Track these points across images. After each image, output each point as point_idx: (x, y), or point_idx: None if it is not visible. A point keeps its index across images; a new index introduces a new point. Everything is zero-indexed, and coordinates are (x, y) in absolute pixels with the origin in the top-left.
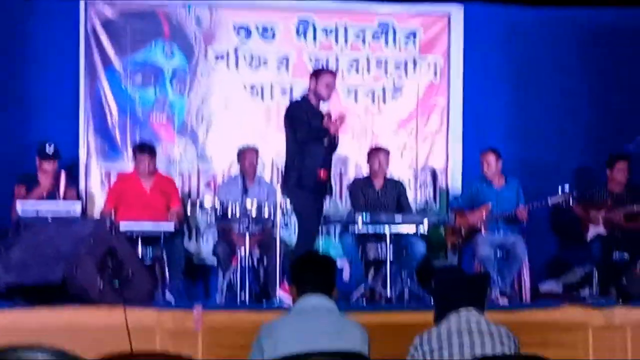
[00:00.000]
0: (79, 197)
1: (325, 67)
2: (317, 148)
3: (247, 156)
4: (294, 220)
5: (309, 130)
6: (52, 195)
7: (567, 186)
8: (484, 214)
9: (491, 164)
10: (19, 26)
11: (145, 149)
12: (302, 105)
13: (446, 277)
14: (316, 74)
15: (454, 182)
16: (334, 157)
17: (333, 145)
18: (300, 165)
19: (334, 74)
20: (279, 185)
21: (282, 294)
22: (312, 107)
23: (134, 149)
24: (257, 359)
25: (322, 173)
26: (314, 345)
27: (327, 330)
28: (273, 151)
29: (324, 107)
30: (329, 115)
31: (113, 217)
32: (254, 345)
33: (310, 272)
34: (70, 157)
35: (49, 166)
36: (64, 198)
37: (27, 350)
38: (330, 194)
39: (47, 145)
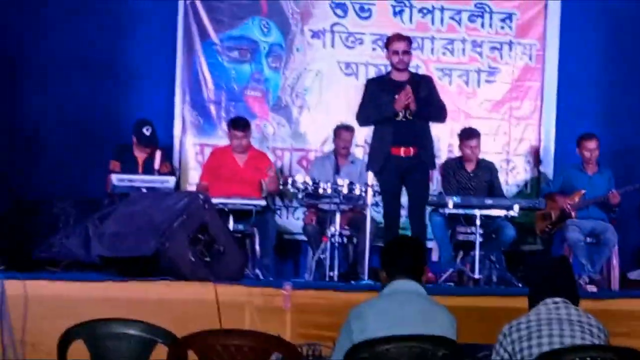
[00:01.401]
0: (173, 172)
1: (419, 46)
2: (387, 126)
3: (342, 135)
4: None
5: (376, 107)
6: (148, 170)
7: None
8: (576, 199)
9: (592, 149)
10: (118, 0)
11: (239, 124)
12: (376, 81)
13: (537, 265)
14: (386, 44)
15: (547, 166)
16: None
17: (410, 121)
18: (373, 144)
19: (402, 37)
20: None
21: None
22: (387, 82)
23: (228, 124)
24: (345, 341)
25: (395, 151)
26: (402, 329)
27: (415, 315)
28: (367, 130)
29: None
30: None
31: (207, 191)
32: (343, 327)
33: (400, 256)
34: (166, 131)
35: (144, 151)
36: (159, 173)
37: (119, 324)
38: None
39: (144, 128)
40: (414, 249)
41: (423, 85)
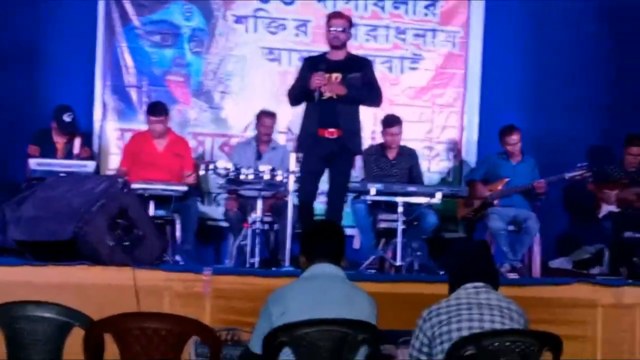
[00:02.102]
0: (93, 157)
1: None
2: (315, 105)
3: (264, 121)
4: None
5: (300, 86)
6: (67, 155)
7: (584, 163)
8: (499, 188)
9: (513, 142)
10: None
11: (154, 110)
12: (310, 60)
13: (458, 250)
14: (326, 22)
15: (469, 154)
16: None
17: (329, 101)
18: (302, 124)
19: (340, 15)
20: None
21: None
22: (321, 60)
23: (146, 110)
24: (264, 325)
25: (321, 132)
26: (322, 313)
27: (335, 298)
28: (290, 115)
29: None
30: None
31: (126, 176)
32: (262, 311)
33: (319, 240)
34: (86, 116)
35: (64, 132)
36: (79, 158)
37: (34, 306)
38: (347, 153)
39: (65, 115)
40: (333, 233)
41: (359, 67)
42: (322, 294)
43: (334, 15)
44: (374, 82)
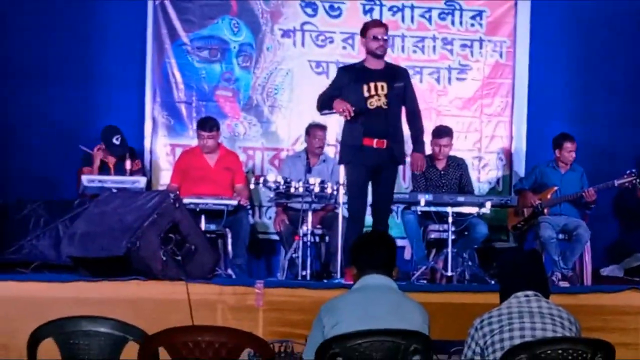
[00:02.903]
0: (144, 172)
1: (390, 43)
2: (359, 115)
3: (315, 133)
4: None
5: (331, 96)
6: (119, 172)
7: (633, 170)
8: (548, 196)
9: (571, 150)
10: (87, 1)
11: (205, 125)
12: (347, 69)
13: (508, 259)
14: (362, 31)
15: (518, 163)
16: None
17: (384, 110)
18: (344, 135)
19: (381, 23)
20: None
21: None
22: (359, 70)
23: (197, 124)
24: (317, 336)
25: (367, 142)
26: (374, 324)
27: (387, 309)
28: (338, 128)
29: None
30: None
31: (178, 191)
32: (315, 323)
33: (369, 251)
34: (137, 132)
35: (114, 155)
36: (131, 173)
37: (89, 321)
38: (394, 163)
39: (114, 138)
40: (383, 243)
41: (401, 77)
42: (373, 305)
43: (376, 24)
44: (413, 92)
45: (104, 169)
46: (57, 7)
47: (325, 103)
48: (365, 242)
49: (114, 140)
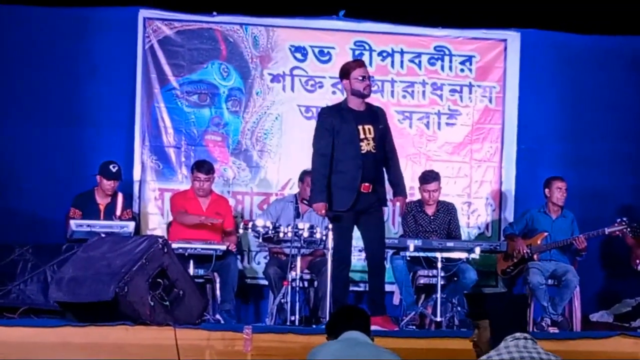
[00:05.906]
0: (135, 219)
1: (379, 89)
2: (354, 159)
3: (309, 180)
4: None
5: (328, 143)
6: (109, 216)
7: (624, 218)
8: (538, 242)
9: (563, 189)
10: (77, 44)
11: (203, 167)
12: (333, 110)
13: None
14: (344, 73)
15: (507, 208)
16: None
17: (374, 155)
18: (336, 179)
19: (362, 62)
20: None
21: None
22: (345, 110)
23: (192, 166)
24: None
25: (364, 187)
26: None
27: (366, 356)
28: None
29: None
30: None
31: (167, 235)
32: None
33: (346, 324)
34: (125, 177)
35: (109, 186)
36: (120, 219)
37: None
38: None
39: (111, 166)
40: (358, 317)
41: (382, 117)
42: (354, 352)
43: (359, 64)
44: (391, 133)
45: (93, 214)
46: (46, 49)
47: (326, 144)
48: (340, 318)
49: (111, 167)
